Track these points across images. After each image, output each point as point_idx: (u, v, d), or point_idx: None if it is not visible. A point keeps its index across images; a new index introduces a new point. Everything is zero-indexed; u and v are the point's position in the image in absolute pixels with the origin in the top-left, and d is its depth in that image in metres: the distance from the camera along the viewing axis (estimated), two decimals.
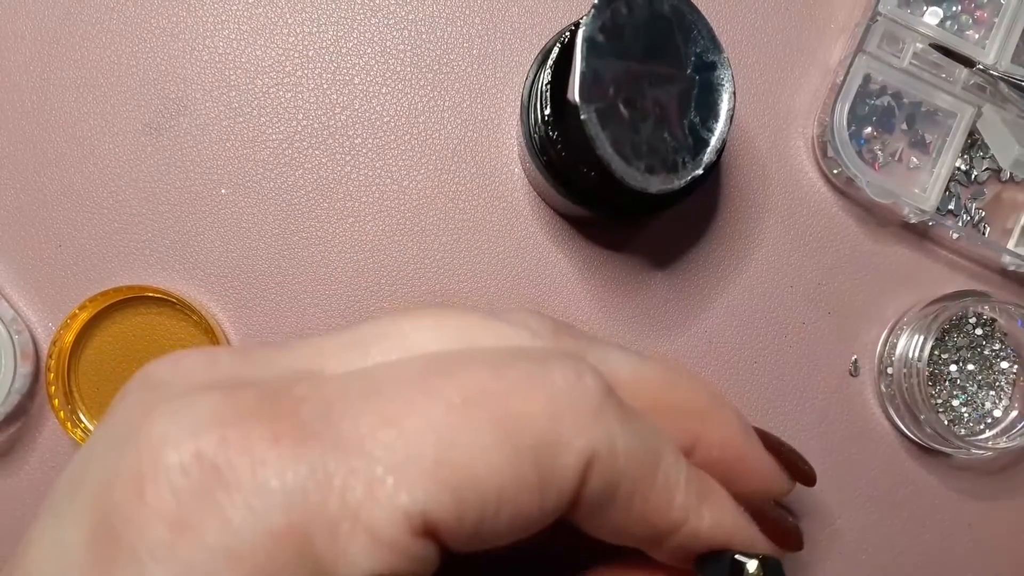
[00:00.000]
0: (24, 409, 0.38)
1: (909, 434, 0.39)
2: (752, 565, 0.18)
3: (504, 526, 0.15)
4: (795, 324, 0.40)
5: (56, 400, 0.36)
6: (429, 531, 0.15)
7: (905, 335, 0.38)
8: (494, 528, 0.15)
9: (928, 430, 0.38)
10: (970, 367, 0.39)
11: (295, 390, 0.16)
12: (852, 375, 0.40)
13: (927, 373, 0.38)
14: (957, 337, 0.39)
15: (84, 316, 0.36)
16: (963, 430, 0.39)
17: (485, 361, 0.16)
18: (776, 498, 0.22)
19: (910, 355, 0.38)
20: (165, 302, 0.37)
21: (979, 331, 0.39)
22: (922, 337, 0.37)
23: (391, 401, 0.15)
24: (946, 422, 0.38)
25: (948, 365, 0.39)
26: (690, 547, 0.18)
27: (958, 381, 0.39)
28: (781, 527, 0.21)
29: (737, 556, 0.18)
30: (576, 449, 0.16)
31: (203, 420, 0.15)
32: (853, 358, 0.40)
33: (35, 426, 0.38)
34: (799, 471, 0.23)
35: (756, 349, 0.40)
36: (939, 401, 0.39)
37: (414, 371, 0.16)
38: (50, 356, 0.36)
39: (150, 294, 0.37)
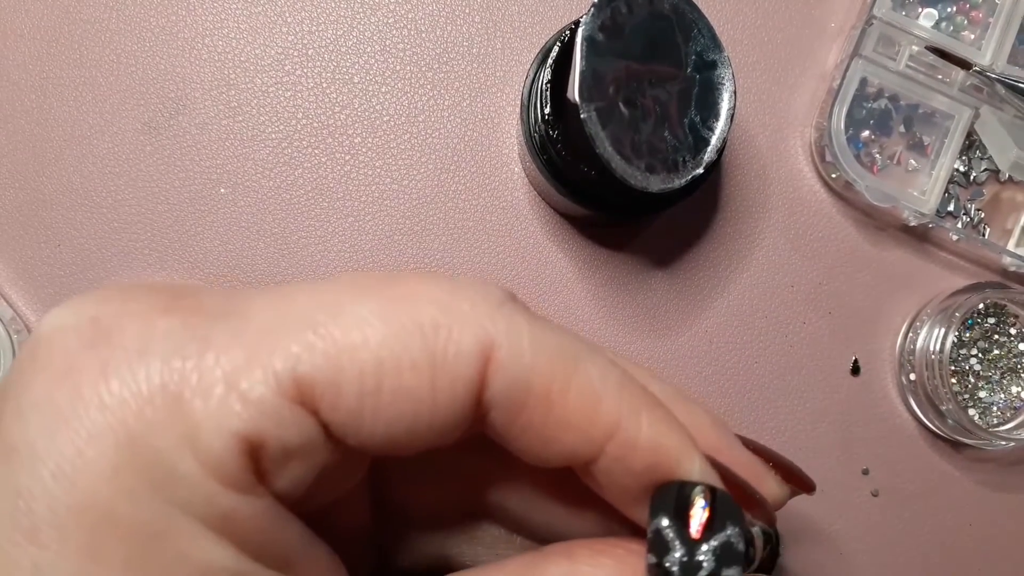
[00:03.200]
0: None
1: (932, 427, 0.39)
2: (699, 495, 0.16)
3: (390, 409, 0.15)
4: (795, 324, 0.40)
5: None
6: (303, 396, 0.15)
7: (925, 328, 0.38)
8: (378, 408, 0.15)
9: (951, 422, 0.38)
10: (994, 352, 0.39)
11: (208, 293, 0.16)
12: (853, 375, 0.40)
13: (950, 367, 0.38)
14: (972, 330, 0.39)
15: None
16: (994, 419, 0.39)
17: (390, 274, 0.16)
18: (771, 503, 0.20)
19: (931, 348, 0.38)
20: None
21: (991, 320, 0.39)
22: (943, 329, 0.37)
23: (285, 291, 0.16)
24: (976, 415, 0.38)
25: (968, 359, 0.39)
26: (628, 465, 0.16)
27: (981, 372, 0.39)
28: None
29: (685, 486, 0.16)
30: (470, 333, 0.15)
31: (112, 297, 0.16)
32: (853, 358, 0.40)
33: None
34: (796, 479, 0.21)
35: (756, 349, 0.40)
36: (965, 396, 0.39)
37: (317, 281, 0.17)
38: None
39: None
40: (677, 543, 0.16)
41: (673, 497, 0.16)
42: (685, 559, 0.16)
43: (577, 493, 0.19)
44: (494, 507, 0.21)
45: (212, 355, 0.15)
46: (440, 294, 0.16)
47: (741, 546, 0.16)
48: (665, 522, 0.16)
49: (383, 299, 0.15)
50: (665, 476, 0.17)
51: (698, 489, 0.16)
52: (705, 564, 0.16)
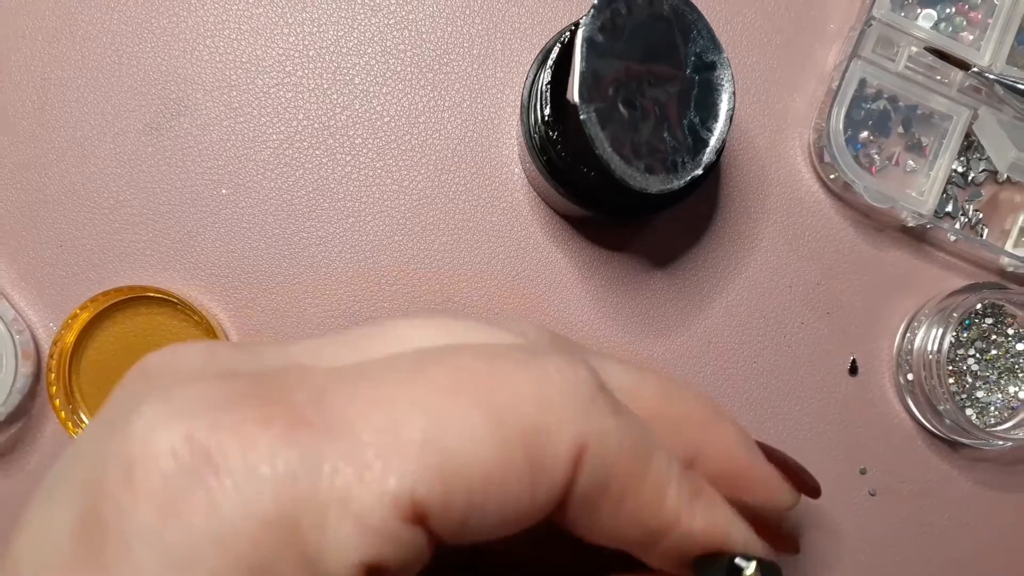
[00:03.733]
0: (25, 409, 0.38)
1: (930, 427, 0.39)
2: (750, 568, 0.18)
3: (493, 515, 0.15)
4: (794, 324, 0.40)
5: (57, 400, 0.36)
6: (418, 517, 0.15)
7: (923, 329, 0.39)
8: (483, 517, 0.15)
9: (948, 422, 0.38)
10: (992, 352, 0.39)
11: (288, 377, 0.16)
12: (851, 375, 0.40)
13: (947, 368, 0.38)
14: (970, 330, 0.39)
15: (85, 316, 0.36)
16: (991, 419, 0.39)
17: (477, 351, 0.16)
18: (781, 511, 0.22)
19: (929, 348, 0.38)
20: (166, 302, 0.37)
21: (989, 320, 0.39)
22: (941, 330, 0.38)
23: (381, 386, 0.15)
24: (974, 415, 0.39)
25: (966, 359, 0.39)
26: (685, 549, 0.18)
27: (979, 372, 0.39)
28: (777, 531, 0.21)
29: (736, 559, 0.18)
30: (567, 438, 0.16)
31: (194, 404, 0.15)
32: (851, 357, 0.40)
33: (36, 426, 0.38)
34: (803, 483, 0.23)
35: (755, 349, 0.40)
36: (963, 396, 0.39)
37: (406, 360, 0.16)
38: (51, 356, 0.36)
39: (151, 294, 0.37)
40: None
41: (724, 568, 0.18)
42: None
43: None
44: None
45: (326, 478, 0.14)
46: (538, 388, 0.16)
47: None
48: None
49: (486, 402, 0.15)
50: (713, 550, 0.18)
51: (751, 566, 0.18)
52: None
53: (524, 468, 0.15)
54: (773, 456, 0.22)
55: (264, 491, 0.14)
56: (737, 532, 0.18)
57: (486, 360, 0.16)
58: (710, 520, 0.18)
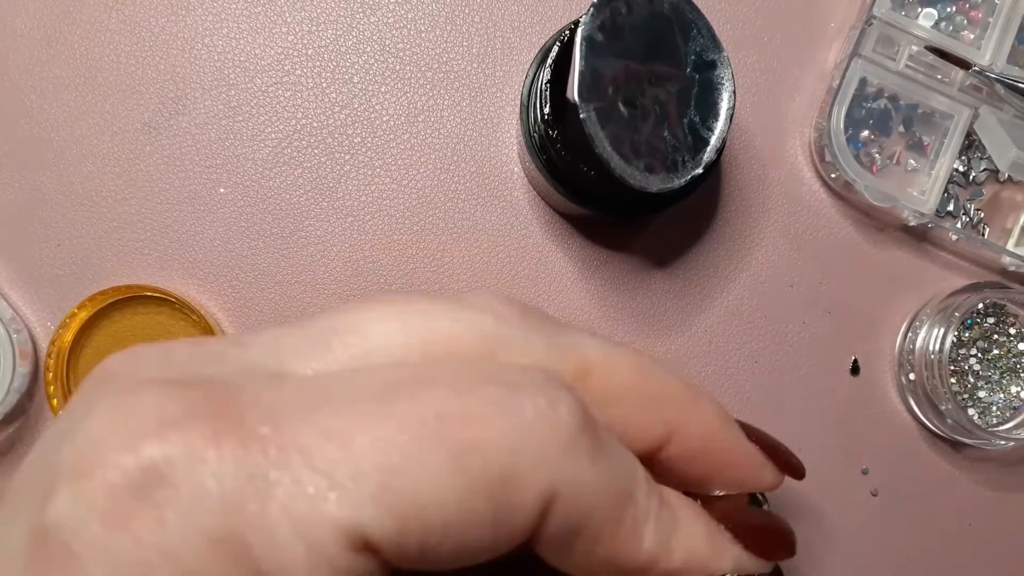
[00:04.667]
0: (23, 409, 0.38)
1: (931, 427, 0.39)
2: None
3: (449, 555, 0.15)
4: (795, 323, 0.40)
5: (55, 400, 0.36)
6: (370, 548, 0.14)
7: (925, 328, 0.39)
8: (438, 555, 0.15)
9: (950, 421, 0.38)
10: (994, 352, 0.39)
11: (245, 392, 0.15)
12: (852, 374, 0.40)
13: (949, 367, 0.38)
14: (972, 330, 0.39)
15: (83, 315, 0.36)
16: (994, 419, 0.39)
17: (450, 383, 0.15)
18: (765, 490, 0.21)
19: (931, 347, 0.38)
20: (164, 301, 0.37)
21: (991, 320, 0.39)
22: (942, 329, 0.37)
23: (344, 415, 0.15)
24: (976, 415, 0.38)
25: (968, 359, 0.39)
26: None
27: (980, 372, 0.39)
28: (768, 535, 0.20)
29: None
30: (536, 487, 0.15)
31: (144, 417, 0.14)
32: (853, 357, 0.40)
33: (34, 426, 0.38)
34: (786, 463, 0.22)
35: (756, 348, 0.40)
36: (965, 396, 0.39)
37: (372, 385, 0.15)
38: (49, 356, 0.36)
39: (148, 293, 0.37)
40: None
41: None
42: None
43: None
44: None
45: (277, 501, 0.14)
46: (511, 432, 0.15)
47: None
48: None
49: (452, 448, 0.15)
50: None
51: None
52: None
53: (487, 516, 0.15)
54: (754, 435, 0.21)
55: (211, 508, 0.14)
56: (720, 553, 0.18)
57: (458, 398, 0.15)
58: (689, 553, 0.17)
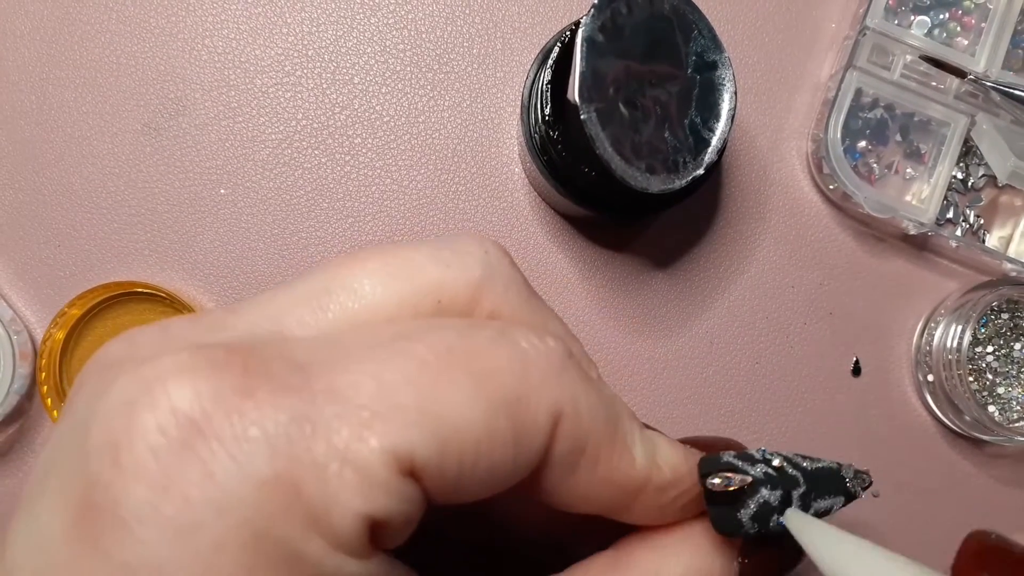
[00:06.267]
0: (23, 410, 0.38)
1: (950, 425, 0.39)
2: (776, 460, 0.19)
3: (480, 478, 0.16)
4: (796, 324, 0.40)
5: (48, 399, 0.36)
6: (416, 474, 0.15)
7: (941, 327, 0.38)
8: (471, 480, 0.16)
9: (969, 419, 0.38)
10: (1015, 347, 0.39)
11: (263, 349, 0.15)
12: (853, 375, 0.40)
13: (968, 366, 0.38)
14: (987, 327, 0.39)
15: (75, 313, 0.36)
16: (1014, 415, 0.39)
17: (453, 327, 0.17)
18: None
19: (948, 346, 0.38)
20: (157, 298, 0.37)
21: (1005, 315, 0.39)
22: (959, 327, 0.37)
23: (367, 360, 0.15)
24: (996, 412, 0.38)
25: (985, 357, 0.39)
26: (661, 504, 0.19)
27: (998, 368, 0.39)
28: (726, 447, 0.21)
29: (737, 462, 0.19)
30: (545, 405, 0.16)
31: (172, 375, 0.14)
32: (854, 358, 0.40)
33: (34, 427, 0.38)
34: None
35: (757, 349, 0.40)
36: (984, 393, 0.39)
37: (383, 336, 0.16)
38: (41, 355, 0.36)
39: (140, 290, 0.37)
40: (746, 465, 0.18)
41: (715, 463, 0.19)
42: (762, 468, 0.18)
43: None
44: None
45: (322, 437, 0.14)
46: (513, 361, 0.16)
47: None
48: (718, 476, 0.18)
49: (470, 374, 0.16)
50: (682, 489, 0.19)
51: (777, 459, 0.19)
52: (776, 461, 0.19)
53: (508, 434, 0.16)
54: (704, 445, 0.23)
55: (258, 454, 0.14)
56: (694, 472, 0.19)
57: (463, 336, 0.16)
58: (674, 468, 0.19)
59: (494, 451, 0.16)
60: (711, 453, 0.19)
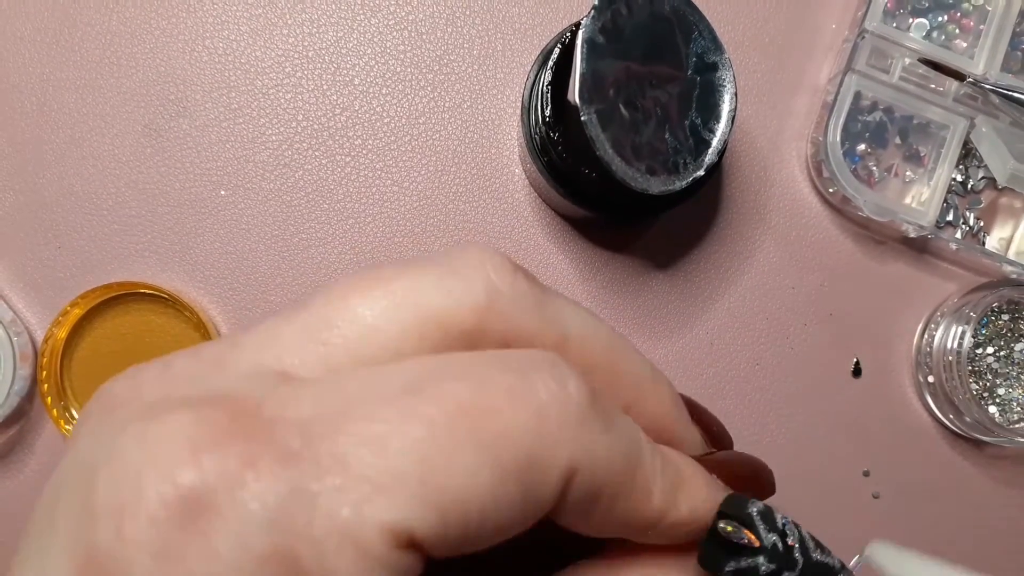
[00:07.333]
0: (23, 411, 0.38)
1: (949, 425, 0.39)
2: (791, 539, 0.19)
3: (486, 538, 0.16)
4: (796, 326, 0.40)
5: (49, 398, 0.36)
6: (415, 544, 0.15)
7: (941, 329, 0.38)
8: (474, 540, 0.16)
9: (969, 420, 0.38)
10: (1016, 348, 0.39)
11: (266, 406, 0.16)
12: (854, 376, 0.40)
13: (968, 367, 0.38)
14: (987, 328, 0.39)
15: (77, 312, 0.36)
16: (1014, 416, 0.39)
17: (462, 376, 0.16)
18: None
19: (948, 347, 0.38)
20: (159, 299, 0.37)
21: (1005, 316, 0.39)
22: (961, 328, 0.37)
23: (370, 421, 0.15)
24: (997, 413, 0.38)
25: (985, 358, 0.39)
26: (672, 535, 0.19)
27: (999, 370, 0.39)
28: (753, 479, 0.21)
29: (719, 525, 0.19)
30: (559, 464, 0.16)
31: (176, 445, 0.15)
32: (855, 359, 0.40)
33: (35, 428, 0.38)
34: (722, 447, 0.24)
35: (757, 350, 0.40)
36: (984, 394, 0.39)
37: (390, 387, 0.16)
38: (42, 355, 0.36)
39: (142, 290, 0.37)
40: (760, 526, 0.18)
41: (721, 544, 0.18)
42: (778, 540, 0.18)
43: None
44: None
45: (322, 512, 0.14)
46: (528, 416, 0.16)
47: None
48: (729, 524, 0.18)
49: (479, 438, 0.15)
50: (700, 528, 0.19)
51: (723, 524, 0.19)
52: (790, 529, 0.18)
53: (517, 497, 0.16)
54: (701, 416, 0.23)
55: (259, 528, 0.14)
56: (716, 506, 0.19)
57: (476, 391, 0.16)
58: (693, 503, 0.19)
59: (500, 514, 0.16)
60: (737, 493, 0.19)
